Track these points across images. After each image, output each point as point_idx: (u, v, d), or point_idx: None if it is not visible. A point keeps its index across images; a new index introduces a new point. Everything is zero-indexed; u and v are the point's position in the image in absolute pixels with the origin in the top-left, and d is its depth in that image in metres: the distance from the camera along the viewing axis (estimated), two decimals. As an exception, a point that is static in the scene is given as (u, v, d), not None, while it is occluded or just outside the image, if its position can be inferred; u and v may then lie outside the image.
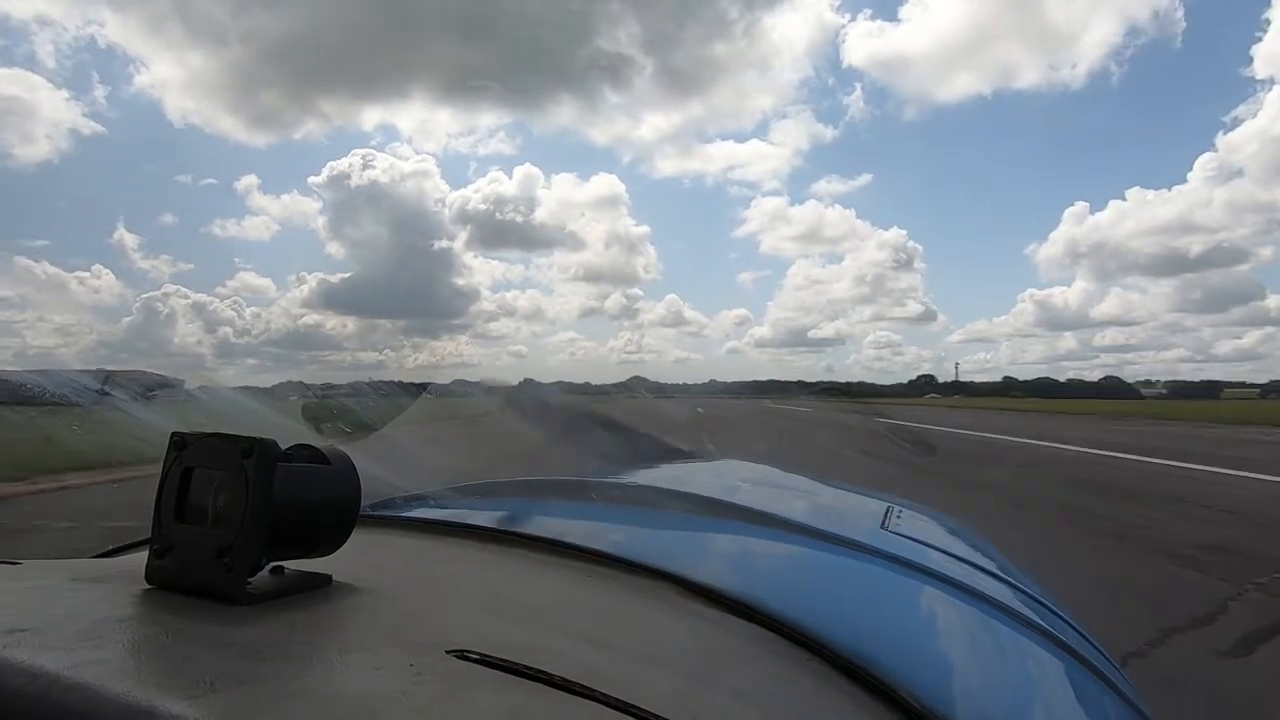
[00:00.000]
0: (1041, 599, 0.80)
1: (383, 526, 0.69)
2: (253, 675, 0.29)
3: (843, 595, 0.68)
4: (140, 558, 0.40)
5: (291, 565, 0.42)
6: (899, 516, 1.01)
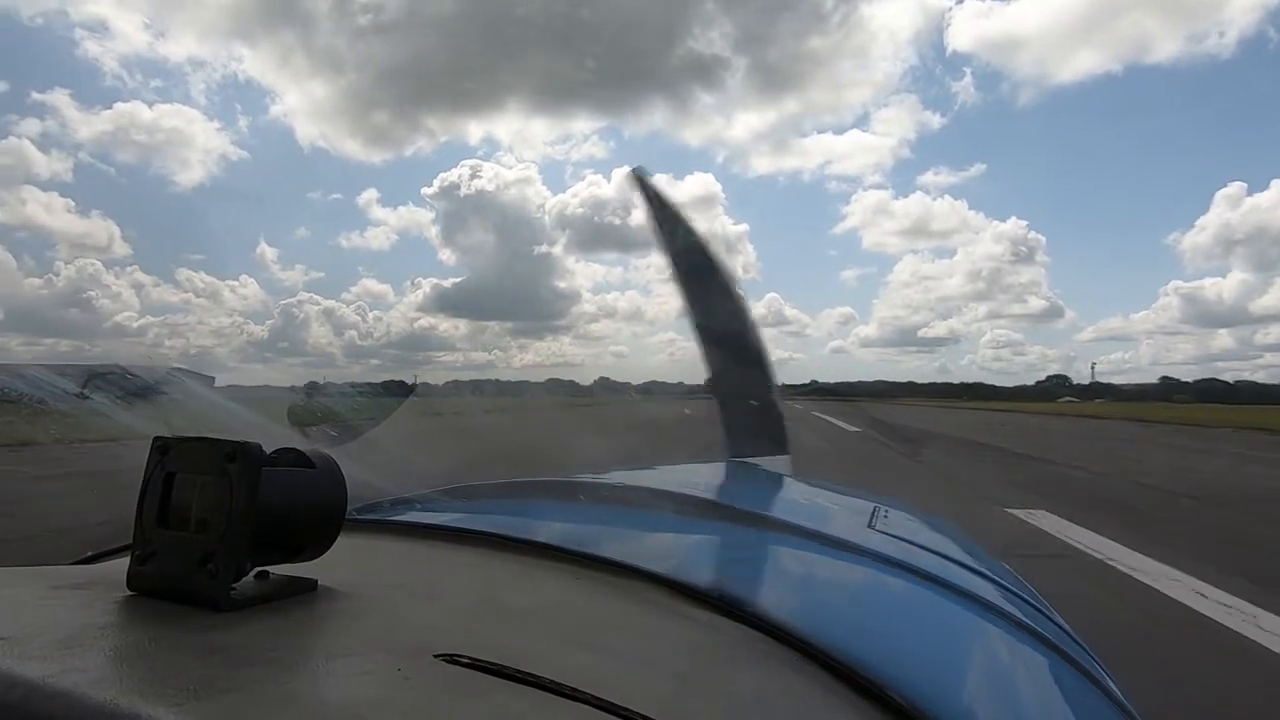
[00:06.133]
0: (1027, 597, 0.81)
1: (369, 530, 0.68)
2: (237, 682, 0.29)
3: (831, 595, 0.68)
4: (121, 564, 0.40)
5: (276, 570, 0.42)
6: (886, 516, 1.01)
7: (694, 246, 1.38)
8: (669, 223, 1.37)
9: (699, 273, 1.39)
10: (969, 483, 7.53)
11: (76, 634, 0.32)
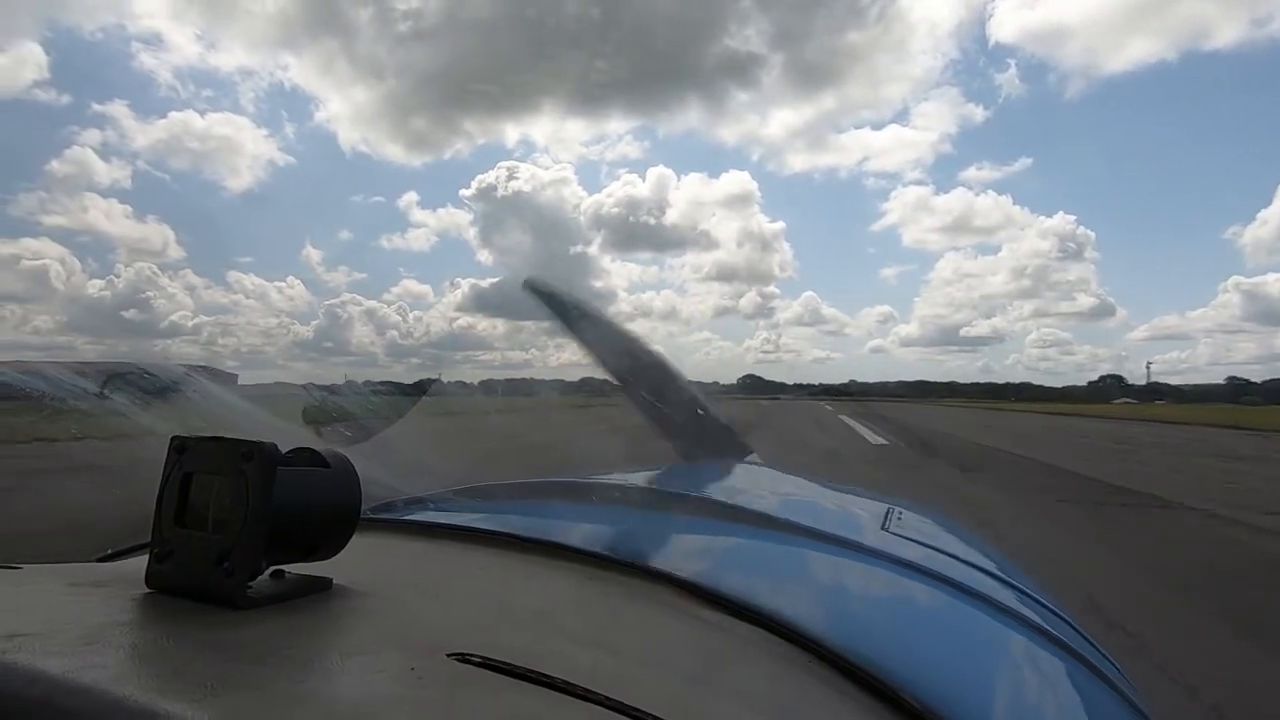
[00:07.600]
0: (1042, 599, 0.80)
1: (383, 530, 0.69)
2: (253, 679, 0.29)
3: (843, 597, 0.68)
4: (140, 562, 0.40)
5: (292, 569, 0.42)
6: (899, 518, 1.01)
7: (612, 333, 1.36)
8: (578, 319, 1.34)
9: (626, 353, 1.36)
10: (1102, 602, 3.19)
11: (96, 630, 0.32)
